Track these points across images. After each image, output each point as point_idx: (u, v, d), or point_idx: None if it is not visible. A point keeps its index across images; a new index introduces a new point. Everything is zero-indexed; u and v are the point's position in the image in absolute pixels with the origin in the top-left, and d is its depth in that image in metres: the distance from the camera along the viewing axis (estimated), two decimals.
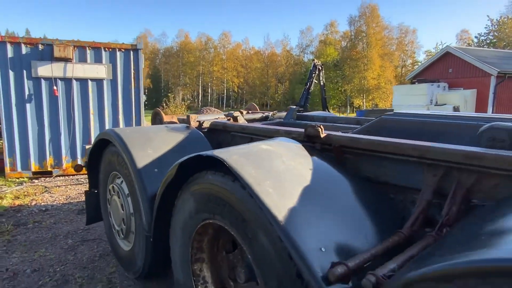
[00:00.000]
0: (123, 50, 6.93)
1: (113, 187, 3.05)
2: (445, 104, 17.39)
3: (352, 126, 3.26)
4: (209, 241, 2.13)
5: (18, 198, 5.31)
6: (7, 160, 6.37)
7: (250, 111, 4.46)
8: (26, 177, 6.46)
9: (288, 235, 1.40)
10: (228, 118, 3.50)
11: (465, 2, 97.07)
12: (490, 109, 16.75)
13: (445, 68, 19.39)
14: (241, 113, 4.27)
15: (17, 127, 6.42)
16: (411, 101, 18.43)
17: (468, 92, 17.20)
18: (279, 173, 1.72)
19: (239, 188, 1.65)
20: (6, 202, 5.03)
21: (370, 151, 1.98)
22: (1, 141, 6.93)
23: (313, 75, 17.05)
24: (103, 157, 3.25)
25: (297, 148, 2.08)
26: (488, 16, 52.65)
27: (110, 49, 6.86)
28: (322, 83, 17.73)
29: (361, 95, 48.29)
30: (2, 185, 6.02)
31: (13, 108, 6.36)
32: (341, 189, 1.81)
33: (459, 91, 17.76)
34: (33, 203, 5.12)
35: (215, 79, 67.08)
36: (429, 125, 2.18)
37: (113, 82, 6.92)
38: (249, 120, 3.76)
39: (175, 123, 3.73)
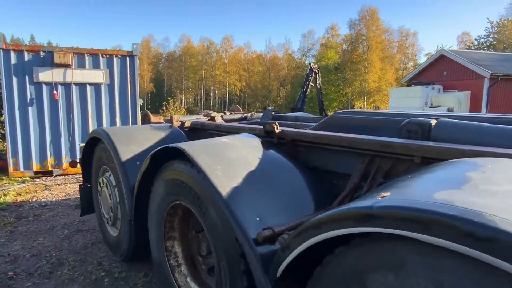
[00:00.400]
0: (119, 56, 7.34)
1: (102, 179, 3.42)
2: (439, 106, 17.67)
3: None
4: (179, 221, 2.49)
5: (20, 195, 5.70)
6: (10, 161, 6.77)
7: (233, 112, 4.83)
8: (28, 176, 6.86)
9: (230, 208, 1.76)
10: (208, 118, 3.87)
11: (466, 4, 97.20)
12: (484, 110, 17.01)
13: (440, 70, 19.69)
14: (225, 114, 4.64)
15: (20, 130, 6.83)
16: (407, 103, 18.70)
17: (462, 94, 17.48)
18: (230, 160, 2.07)
19: (196, 173, 2.01)
20: (9, 198, 5.42)
21: (314, 144, 2.33)
22: (5, 143, 7.32)
23: (310, 78, 17.40)
24: (94, 153, 3.63)
25: (253, 141, 2.44)
26: (488, 18, 52.75)
27: (108, 56, 7.27)
28: (318, 86, 18.08)
29: (362, 98, 48.60)
30: (5, 183, 6.42)
31: (16, 112, 6.77)
32: (283, 173, 2.16)
33: (454, 93, 18.05)
34: (34, 199, 5.50)
35: (218, 83, 67.56)
36: (368, 122, 2.53)
37: (110, 86, 7.33)
38: (228, 120, 4.12)
39: (162, 123, 4.10)
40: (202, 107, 64.91)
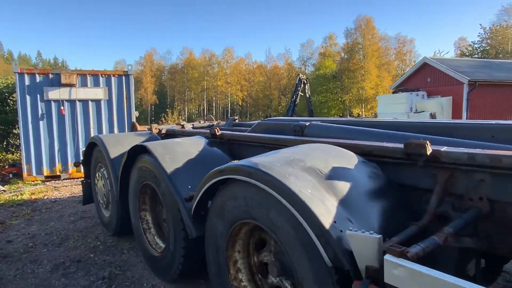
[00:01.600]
0: (116, 75, 8.53)
1: (98, 174, 4.53)
2: (423, 111, 18.68)
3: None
4: (148, 197, 3.57)
5: (34, 194, 6.82)
6: (24, 167, 7.93)
7: (206, 121, 5.94)
8: (40, 180, 8.00)
9: (172, 181, 2.84)
10: (180, 126, 4.98)
11: (463, 9, 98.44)
12: (464, 114, 17.98)
13: (425, 77, 20.74)
14: (200, 122, 5.75)
15: (32, 140, 7.99)
16: (394, 109, 19.72)
17: (444, 100, 18.48)
18: (177, 152, 3.16)
19: (154, 161, 3.09)
20: (25, 197, 6.54)
21: (240, 141, 3.40)
22: (19, 153, 8.49)
23: (299, 88, 18.53)
24: (92, 155, 4.74)
25: (200, 141, 3.53)
26: (480, 24, 53.76)
27: (106, 75, 8.46)
28: (307, 95, 19.20)
29: (360, 105, 49.60)
30: (21, 186, 7.56)
31: (29, 125, 7.95)
32: (211, 160, 3.23)
33: (436, 98, 19.06)
34: (45, 197, 6.62)
35: (219, 93, 68.91)
36: (277, 126, 3.62)
37: (109, 102, 8.50)
38: (198, 127, 5.22)
39: (145, 131, 5.20)
40: (205, 117, 66.26)
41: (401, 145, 2.01)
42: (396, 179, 2.11)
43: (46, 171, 8.11)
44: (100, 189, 4.52)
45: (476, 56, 44.78)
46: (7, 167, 8.85)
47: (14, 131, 9.98)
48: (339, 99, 51.87)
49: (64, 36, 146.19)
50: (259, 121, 3.97)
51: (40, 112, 8.04)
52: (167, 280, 3.18)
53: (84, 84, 8.33)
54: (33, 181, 7.95)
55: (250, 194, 2.00)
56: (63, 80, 8.02)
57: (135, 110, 9.05)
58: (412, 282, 1.30)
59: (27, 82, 7.88)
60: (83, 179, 5.06)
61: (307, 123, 3.13)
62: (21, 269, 3.57)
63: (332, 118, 3.60)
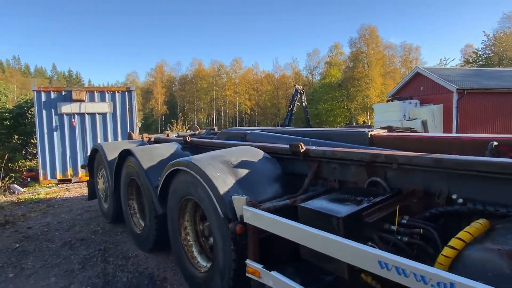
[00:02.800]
0: (120, 92, 9.75)
1: (99, 174, 5.64)
2: (415, 119, 19.49)
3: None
4: (135, 189, 4.64)
5: (48, 194, 8.00)
6: (40, 172, 9.15)
7: (190, 130, 7.03)
8: (54, 183, 9.20)
9: (147, 174, 3.92)
10: (166, 135, 6.08)
11: (469, 17, 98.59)
12: (454, 121, 18.74)
13: (418, 86, 21.59)
14: (186, 131, 6.84)
15: (47, 149, 9.22)
16: (388, 117, 20.56)
17: (435, 107, 19.29)
18: (153, 154, 4.24)
19: (136, 161, 4.18)
20: (41, 196, 7.72)
21: (207, 146, 4.47)
22: (36, 160, 9.72)
23: (295, 98, 19.58)
24: (95, 159, 5.87)
25: (174, 146, 4.60)
26: (484, 31, 54.11)
27: (111, 91, 9.68)
28: (304, 105, 20.23)
29: (365, 113, 50.28)
30: (37, 188, 8.76)
31: (45, 136, 9.18)
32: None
33: (428, 106, 19.86)
34: (58, 196, 7.79)
35: (228, 103, 70.32)
36: (232, 134, 4.68)
37: (114, 114, 9.70)
38: (181, 136, 6.31)
39: (138, 139, 6.31)
40: (215, 125, 67.66)
41: (287, 146, 3.06)
42: (288, 169, 3.15)
43: (59, 175, 9.31)
44: (100, 185, 5.64)
45: (481, 63, 45.12)
46: (26, 172, 10.11)
47: (32, 141, 11.28)
48: (345, 107, 52.63)
49: (78, 49, 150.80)
50: (222, 130, 5.05)
51: (54, 124, 9.28)
52: (145, 250, 4.24)
53: (92, 100, 9.56)
54: (48, 184, 9.15)
55: (188, 178, 3.06)
56: (74, 96, 9.26)
57: (140, 121, 10.22)
58: (254, 219, 2.34)
59: (43, 98, 9.15)
60: (88, 180, 6.19)
61: (249, 132, 4.20)
62: (38, 245, 4.68)
63: (269, 128, 4.64)
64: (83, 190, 8.40)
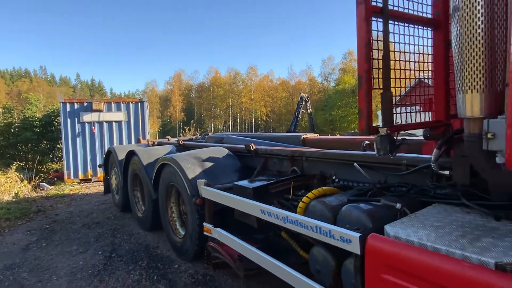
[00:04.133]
0: (134, 102, 11.08)
1: (112, 172, 6.89)
2: None
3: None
4: (138, 182, 5.83)
5: (72, 191, 9.34)
6: (65, 172, 10.54)
7: (192, 136, 8.22)
8: (76, 182, 10.57)
9: (146, 169, 5.11)
10: (166, 139, 7.28)
11: None
12: None
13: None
14: (186, 136, 8.03)
15: (71, 153, 10.61)
16: None
17: None
18: (152, 154, 5.42)
19: (138, 159, 5.37)
20: (65, 192, 9.07)
21: (193, 147, 5.63)
22: (61, 162, 11.13)
23: (301, 105, 20.61)
24: (109, 159, 7.12)
25: (169, 147, 5.78)
26: None
27: (126, 102, 11.03)
28: (309, 112, 21.23)
29: (377, 118, 50.51)
30: (62, 185, 10.15)
31: (70, 141, 10.59)
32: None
33: None
34: (80, 192, 9.11)
35: (244, 109, 71.69)
36: (213, 138, 5.83)
37: (128, 122, 11.04)
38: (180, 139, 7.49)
39: (144, 143, 7.54)
40: (230, 131, 69.10)
41: (243, 146, 4.17)
42: (246, 163, 4.25)
43: (81, 175, 10.69)
44: (113, 181, 6.88)
45: None
46: (52, 173, 11.56)
47: (58, 145, 12.77)
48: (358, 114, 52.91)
49: (100, 59, 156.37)
50: (208, 136, 6.23)
51: (77, 131, 10.67)
52: (145, 229, 5.40)
53: (109, 109, 10.93)
54: (71, 183, 10.53)
55: (171, 170, 4.20)
56: (94, 107, 10.64)
57: (158, 129, 11.51)
58: (208, 194, 3.46)
59: (68, 109, 10.57)
60: (104, 177, 7.46)
61: (225, 136, 5.34)
62: (64, 226, 5.93)
63: (243, 133, 5.78)
64: (101, 188, 9.69)
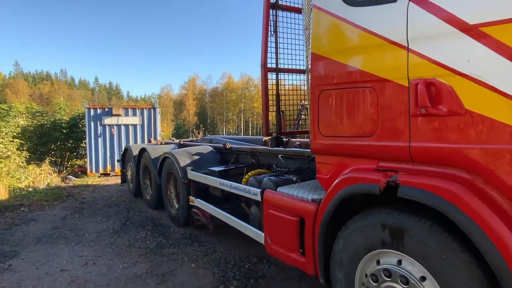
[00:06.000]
0: (147, 108, 12.87)
1: (128, 165, 8.62)
2: None
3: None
4: (148, 172, 7.51)
5: (94, 182, 11.14)
6: (88, 167, 12.38)
7: (193, 137, 9.89)
8: (97, 175, 12.39)
9: (153, 162, 6.79)
10: (171, 139, 8.98)
11: None
12: None
13: None
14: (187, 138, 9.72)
15: (94, 151, 12.44)
16: None
17: None
18: (157, 150, 7.10)
19: (147, 154, 7.06)
20: (89, 183, 10.87)
21: (188, 145, 7.30)
22: (85, 159, 12.98)
23: (302, 113, 22.04)
24: (126, 155, 8.85)
25: (172, 146, 7.46)
26: None
27: (141, 108, 12.82)
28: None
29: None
30: (86, 178, 11.98)
31: (92, 141, 12.43)
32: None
33: None
34: (100, 183, 10.90)
35: (256, 114, 73.28)
36: (206, 140, 7.48)
37: (142, 126, 12.82)
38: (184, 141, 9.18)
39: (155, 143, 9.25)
40: (242, 135, 70.82)
41: (222, 145, 5.81)
42: (225, 158, 5.87)
43: (101, 170, 12.51)
44: (129, 173, 8.60)
45: None
46: (77, 167, 13.43)
47: (82, 144, 14.67)
48: None
49: (118, 63, 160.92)
50: (203, 137, 7.89)
51: (99, 132, 12.51)
52: (151, 208, 7.07)
53: (126, 114, 12.74)
54: (93, 176, 12.36)
55: (170, 161, 5.86)
56: (114, 112, 12.47)
57: (172, 131, 13.27)
58: (193, 176, 5.11)
59: (92, 113, 12.43)
60: (121, 169, 9.20)
61: (214, 138, 6.98)
62: (90, 205, 7.65)
63: (227, 136, 7.41)
64: (118, 181, 11.46)
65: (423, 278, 2.02)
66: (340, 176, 2.55)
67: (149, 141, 9.56)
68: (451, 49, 1.84)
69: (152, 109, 12.94)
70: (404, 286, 2.10)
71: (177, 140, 9.10)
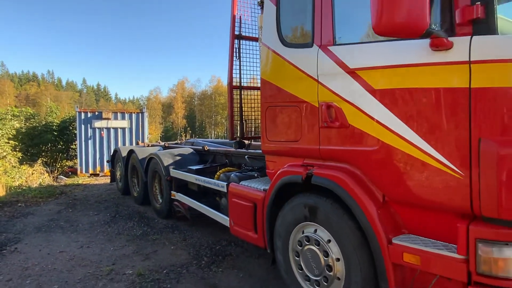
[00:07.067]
0: (135, 112, 13.62)
1: (117, 165, 9.39)
2: None
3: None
4: (135, 172, 8.30)
5: (84, 181, 11.84)
6: (78, 168, 13.06)
7: (179, 141, 10.71)
8: (87, 176, 13.07)
9: (140, 162, 7.60)
10: (158, 142, 9.78)
11: None
12: None
13: None
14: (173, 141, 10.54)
15: (84, 152, 13.12)
16: None
17: None
18: (144, 152, 7.90)
19: (135, 155, 7.86)
20: (79, 182, 11.56)
21: (172, 148, 8.12)
22: (76, 160, 13.65)
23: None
24: (115, 156, 9.61)
25: (157, 148, 8.28)
26: None
27: (129, 112, 13.57)
28: None
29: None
30: (76, 178, 12.66)
31: (83, 143, 13.12)
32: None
33: None
34: (91, 183, 11.61)
35: (244, 117, 74.01)
36: (189, 142, 8.32)
37: (130, 129, 13.57)
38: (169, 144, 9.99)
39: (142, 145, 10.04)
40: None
41: (202, 147, 6.67)
42: (204, 158, 6.72)
43: (91, 170, 13.19)
44: (117, 173, 9.37)
45: None
46: (67, 168, 14.08)
47: (72, 146, 15.32)
48: None
49: (107, 65, 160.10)
50: (186, 140, 8.72)
51: (89, 135, 13.21)
52: (138, 204, 7.85)
53: (115, 118, 13.48)
54: (83, 176, 13.03)
55: (155, 161, 6.69)
56: (103, 116, 13.19)
57: (160, 134, 14.03)
58: (175, 174, 5.95)
59: (82, 117, 13.13)
60: (110, 169, 9.96)
61: (195, 141, 7.83)
62: (82, 202, 8.40)
63: (209, 139, 8.28)
64: (107, 180, 12.19)
65: (329, 241, 2.92)
66: (279, 170, 3.44)
67: (137, 143, 10.34)
68: (340, 83, 2.75)
69: (140, 113, 13.70)
70: (317, 247, 2.99)
71: (163, 143, 9.92)
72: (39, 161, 12.61)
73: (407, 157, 2.33)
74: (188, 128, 45.89)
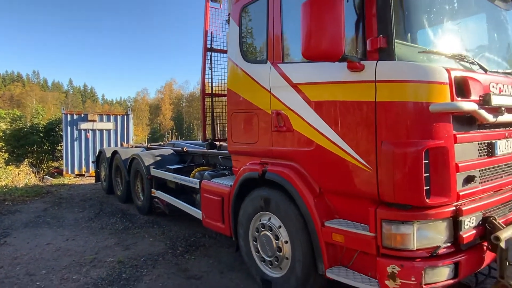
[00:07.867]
0: (121, 115, 14.00)
1: (102, 166, 9.79)
2: None
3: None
4: (119, 172, 8.73)
5: (70, 181, 12.17)
6: (64, 168, 13.36)
7: (163, 143, 11.16)
8: (73, 176, 13.39)
9: (123, 162, 8.05)
10: (141, 144, 10.21)
11: None
12: None
13: None
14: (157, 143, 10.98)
15: (69, 153, 13.44)
16: None
17: None
18: (127, 152, 8.34)
19: (118, 155, 8.30)
20: (65, 182, 11.89)
21: (155, 149, 8.59)
22: (62, 161, 13.94)
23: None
24: (100, 157, 10.02)
25: (140, 149, 8.73)
26: None
27: (114, 115, 13.95)
28: None
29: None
30: (62, 178, 12.97)
31: (69, 144, 13.43)
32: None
33: None
34: (76, 183, 11.95)
35: None
36: (171, 143, 8.80)
37: (116, 131, 13.94)
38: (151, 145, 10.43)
39: (127, 146, 10.46)
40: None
41: (181, 148, 7.16)
42: (184, 159, 7.21)
43: (76, 171, 13.51)
44: (102, 173, 9.77)
45: None
46: (53, 168, 14.35)
47: (58, 147, 15.60)
48: None
49: (93, 66, 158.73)
50: (168, 142, 9.20)
51: (75, 136, 13.53)
52: (121, 202, 8.28)
53: (101, 120, 13.83)
54: (69, 177, 13.35)
55: (137, 161, 7.15)
56: (89, 118, 13.53)
57: (147, 136, 14.41)
58: (155, 173, 6.43)
59: (68, 118, 13.45)
60: (95, 169, 10.35)
61: (176, 142, 8.32)
62: (67, 200, 8.78)
63: (190, 141, 8.78)
64: (92, 181, 12.54)
65: (279, 227, 3.46)
66: (241, 168, 3.98)
67: (121, 144, 10.76)
68: (286, 94, 3.31)
69: (125, 116, 14.09)
70: (270, 232, 3.53)
71: (146, 144, 10.38)
72: (25, 162, 12.87)
73: (333, 155, 2.89)
74: (175, 130, 46.04)
